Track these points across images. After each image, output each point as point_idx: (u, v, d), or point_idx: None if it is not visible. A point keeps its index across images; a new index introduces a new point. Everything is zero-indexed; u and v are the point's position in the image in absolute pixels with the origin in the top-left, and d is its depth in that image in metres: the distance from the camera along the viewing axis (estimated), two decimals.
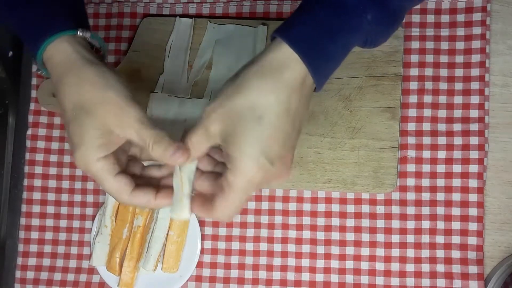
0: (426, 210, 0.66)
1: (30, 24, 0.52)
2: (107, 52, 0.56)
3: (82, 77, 0.48)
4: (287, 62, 0.44)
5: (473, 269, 0.64)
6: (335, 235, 0.67)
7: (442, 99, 0.66)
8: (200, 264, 0.69)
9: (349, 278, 0.66)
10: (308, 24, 0.44)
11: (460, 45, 0.67)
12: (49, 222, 0.72)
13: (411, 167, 0.66)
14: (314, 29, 0.44)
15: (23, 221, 0.72)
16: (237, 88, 0.44)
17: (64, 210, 0.72)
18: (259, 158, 0.44)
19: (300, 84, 0.44)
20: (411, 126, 0.67)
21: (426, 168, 0.66)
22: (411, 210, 0.66)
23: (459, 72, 0.67)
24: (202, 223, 0.69)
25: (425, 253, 0.65)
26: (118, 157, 0.50)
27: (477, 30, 0.66)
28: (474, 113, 0.65)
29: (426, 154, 0.66)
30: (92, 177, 0.49)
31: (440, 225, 0.65)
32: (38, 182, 0.72)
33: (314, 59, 0.44)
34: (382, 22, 0.46)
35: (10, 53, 0.75)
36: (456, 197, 0.65)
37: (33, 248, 0.72)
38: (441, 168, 0.66)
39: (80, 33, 0.51)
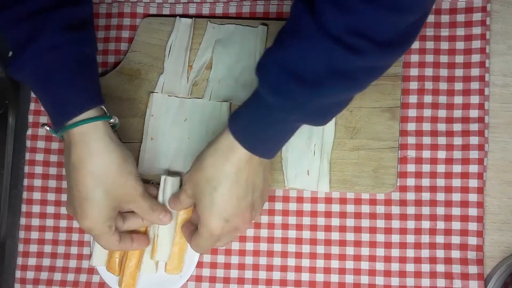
0: (426, 210, 0.66)
1: (63, 102, 0.57)
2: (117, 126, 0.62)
3: (110, 161, 0.58)
4: (233, 146, 0.56)
5: (473, 269, 0.64)
6: (335, 235, 0.67)
7: (442, 99, 0.66)
8: (200, 264, 0.69)
9: (349, 278, 0.66)
10: (245, 119, 0.56)
11: (460, 45, 0.67)
12: (49, 222, 0.72)
13: (411, 167, 0.66)
14: (250, 122, 0.55)
15: (23, 221, 0.72)
16: (200, 165, 0.58)
17: (64, 210, 0.72)
18: (215, 216, 0.58)
19: (245, 161, 0.56)
20: (411, 126, 0.67)
21: (426, 168, 0.66)
22: (411, 210, 0.66)
23: (459, 72, 0.66)
24: None
25: (425, 253, 0.65)
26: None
27: (477, 30, 0.66)
28: (474, 113, 0.65)
29: (426, 154, 0.66)
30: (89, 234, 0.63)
31: (440, 225, 0.65)
32: (38, 182, 0.72)
33: (252, 144, 0.55)
34: (309, 119, 0.54)
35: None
36: (456, 197, 0.65)
37: (33, 248, 0.72)
38: (441, 168, 0.66)
39: (112, 120, 0.59)
